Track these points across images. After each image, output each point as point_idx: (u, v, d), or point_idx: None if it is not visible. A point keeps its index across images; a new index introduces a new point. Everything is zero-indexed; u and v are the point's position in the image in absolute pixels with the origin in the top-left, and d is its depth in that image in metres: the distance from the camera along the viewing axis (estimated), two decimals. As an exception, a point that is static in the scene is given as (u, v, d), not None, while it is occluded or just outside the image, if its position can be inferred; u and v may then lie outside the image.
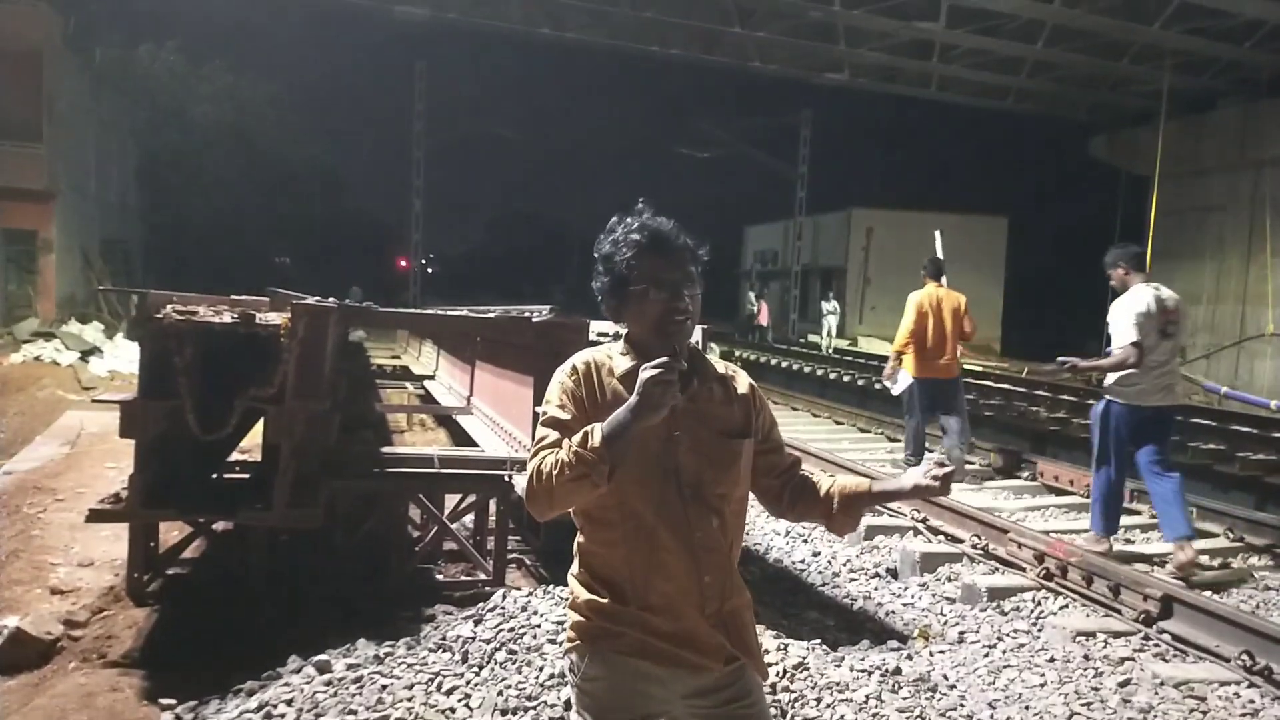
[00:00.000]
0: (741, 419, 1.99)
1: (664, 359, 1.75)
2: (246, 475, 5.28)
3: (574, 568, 1.99)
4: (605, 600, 1.90)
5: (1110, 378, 5.95)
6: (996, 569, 5.79)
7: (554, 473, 1.76)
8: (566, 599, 2.02)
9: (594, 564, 1.93)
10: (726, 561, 1.94)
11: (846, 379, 16.88)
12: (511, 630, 3.82)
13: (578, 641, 1.93)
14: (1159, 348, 5.80)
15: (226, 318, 4.19)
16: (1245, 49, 17.51)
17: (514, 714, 3.26)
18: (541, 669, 3.51)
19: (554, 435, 1.84)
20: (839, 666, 3.80)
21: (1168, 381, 5.91)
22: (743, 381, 2.04)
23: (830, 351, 16.88)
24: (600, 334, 4.59)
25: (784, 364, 19.42)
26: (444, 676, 3.49)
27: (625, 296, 1.93)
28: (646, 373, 1.74)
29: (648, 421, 1.76)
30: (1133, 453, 5.92)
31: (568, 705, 3.19)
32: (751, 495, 2.09)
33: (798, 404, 14.42)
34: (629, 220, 1.95)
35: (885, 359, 15.20)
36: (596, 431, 1.76)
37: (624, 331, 2.02)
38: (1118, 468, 5.93)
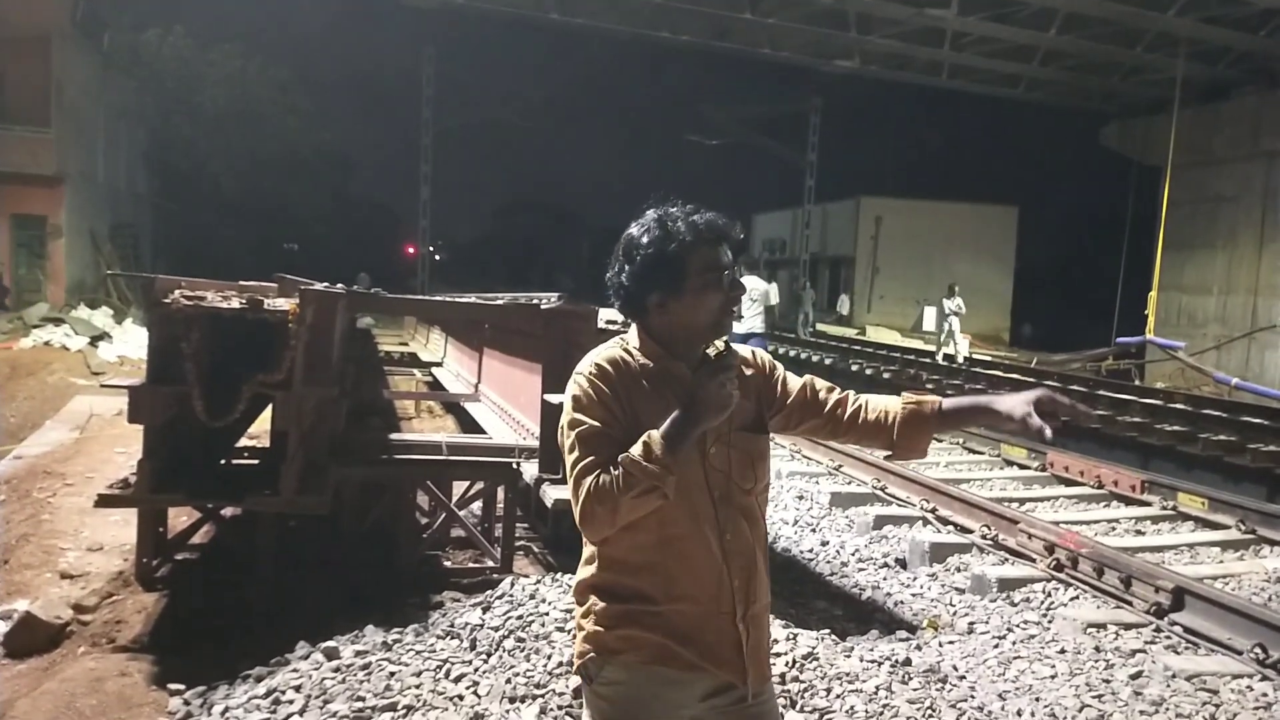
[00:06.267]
0: (755, 410, 1.89)
1: (723, 355, 1.74)
2: (255, 461, 5.28)
3: (586, 577, 1.86)
4: (626, 608, 1.80)
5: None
6: (1006, 559, 5.77)
7: (617, 490, 1.66)
8: (571, 613, 1.95)
9: (615, 572, 1.82)
10: (753, 564, 1.84)
11: (855, 368, 16.86)
12: (520, 618, 3.81)
13: (593, 654, 1.82)
14: (749, 307, 11.21)
15: (234, 303, 4.16)
16: (1260, 38, 17.33)
17: (522, 701, 3.25)
18: (550, 656, 3.50)
19: (602, 451, 1.71)
20: (848, 657, 3.78)
21: (755, 322, 11.49)
22: (745, 366, 1.90)
23: (960, 361, 15.85)
24: (609, 322, 4.54)
25: (791, 354, 19.44)
26: (452, 664, 3.49)
27: (681, 289, 1.77)
28: (708, 374, 1.70)
29: (709, 424, 1.71)
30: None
31: (576, 694, 3.18)
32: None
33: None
34: (675, 210, 1.80)
35: (895, 349, 15.18)
36: (657, 440, 1.67)
37: (632, 323, 1.88)
38: None
